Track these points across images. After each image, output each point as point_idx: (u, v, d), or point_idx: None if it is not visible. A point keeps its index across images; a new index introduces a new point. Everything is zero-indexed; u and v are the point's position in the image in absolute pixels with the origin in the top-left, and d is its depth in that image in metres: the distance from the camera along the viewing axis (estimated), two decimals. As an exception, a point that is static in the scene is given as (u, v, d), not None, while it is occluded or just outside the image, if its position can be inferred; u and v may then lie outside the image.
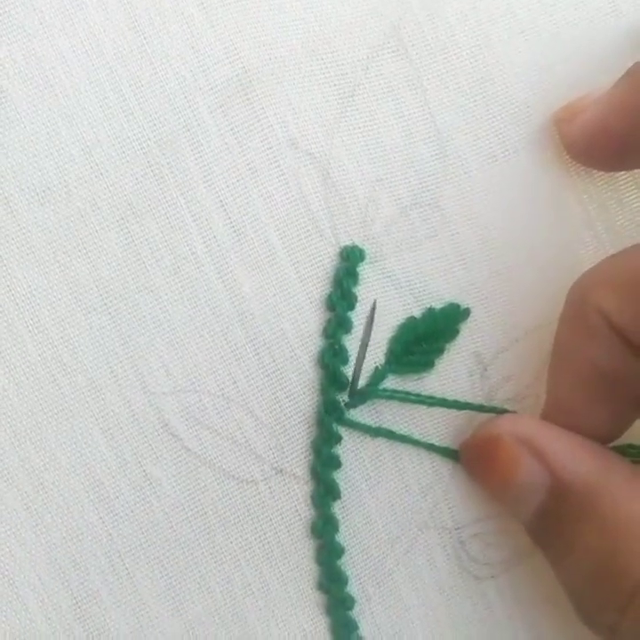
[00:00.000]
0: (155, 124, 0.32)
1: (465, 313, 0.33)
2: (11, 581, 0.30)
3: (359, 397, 0.32)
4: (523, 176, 0.33)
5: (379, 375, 0.33)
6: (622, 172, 0.34)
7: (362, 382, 0.32)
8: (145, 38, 0.32)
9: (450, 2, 0.33)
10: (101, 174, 0.31)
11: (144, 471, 0.31)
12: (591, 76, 0.33)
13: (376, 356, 0.33)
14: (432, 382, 0.33)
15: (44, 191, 0.31)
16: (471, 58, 0.33)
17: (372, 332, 0.33)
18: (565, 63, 0.34)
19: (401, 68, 0.33)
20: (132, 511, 0.31)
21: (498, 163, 0.33)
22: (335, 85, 0.33)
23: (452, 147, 0.33)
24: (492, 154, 0.33)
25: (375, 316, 0.33)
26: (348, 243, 0.33)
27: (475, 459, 0.32)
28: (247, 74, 0.32)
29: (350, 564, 0.32)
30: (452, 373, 0.33)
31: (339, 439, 0.32)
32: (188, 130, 0.32)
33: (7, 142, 0.31)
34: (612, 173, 0.34)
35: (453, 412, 0.33)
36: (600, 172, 0.34)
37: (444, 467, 0.33)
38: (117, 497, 0.31)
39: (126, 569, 0.31)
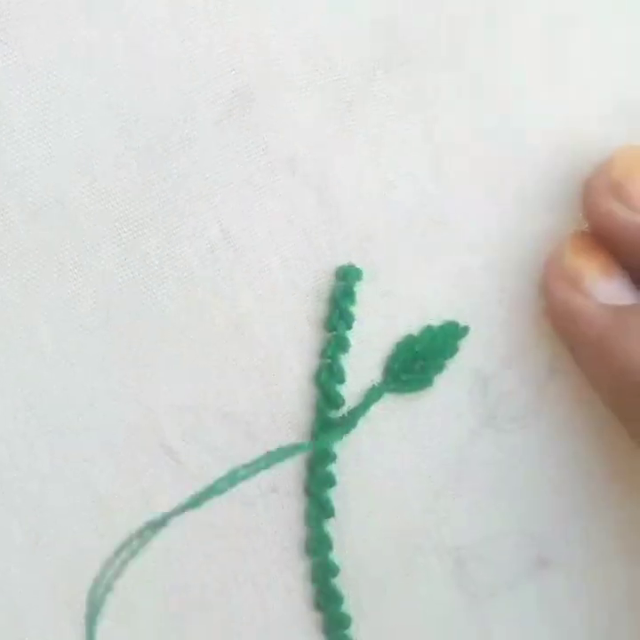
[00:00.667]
0: (152, 140, 0.32)
1: (464, 330, 0.33)
2: (9, 604, 0.31)
3: (352, 417, 0.32)
4: (524, 193, 0.33)
5: (375, 394, 0.32)
6: None
7: (357, 401, 0.32)
8: (142, 53, 0.32)
9: (456, 17, 0.33)
10: (98, 189, 0.31)
11: (142, 489, 0.31)
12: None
13: (373, 374, 0.33)
14: (430, 400, 0.33)
15: (39, 206, 0.31)
16: (476, 74, 0.33)
17: (369, 350, 0.33)
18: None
19: (403, 85, 0.33)
20: (131, 530, 0.31)
21: (500, 181, 0.33)
22: (335, 101, 0.33)
23: (453, 165, 0.33)
24: (494, 172, 0.33)
25: (373, 334, 0.33)
26: (345, 262, 0.32)
27: None
28: (246, 89, 0.32)
29: (346, 582, 0.32)
30: (451, 391, 0.33)
31: (333, 458, 0.32)
32: (186, 145, 0.32)
33: (1, 156, 0.31)
34: None
35: (452, 428, 0.33)
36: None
37: (444, 487, 0.33)
38: (117, 515, 0.31)
39: (126, 589, 0.31)
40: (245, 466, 0.31)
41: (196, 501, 0.31)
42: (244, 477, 0.32)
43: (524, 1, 0.33)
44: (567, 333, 0.32)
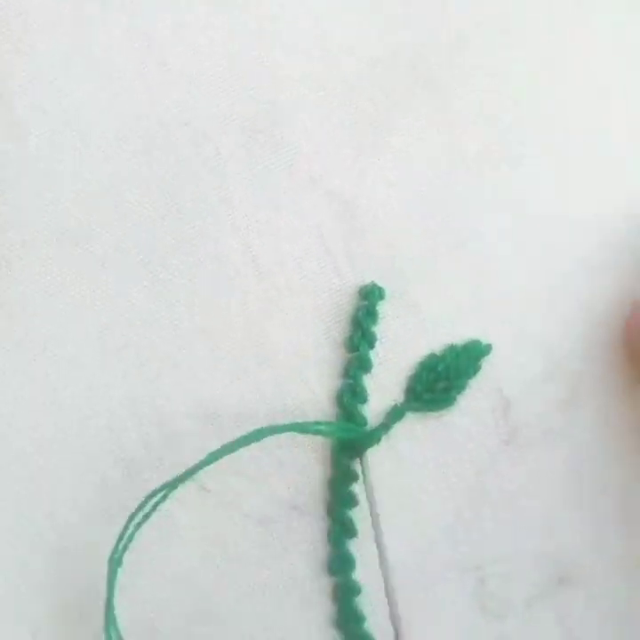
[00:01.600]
0: (178, 162, 0.32)
1: (487, 349, 0.33)
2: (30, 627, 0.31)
3: (375, 435, 0.32)
4: (547, 216, 0.33)
5: (397, 413, 0.32)
6: None
7: (378, 420, 0.32)
8: (167, 74, 0.32)
9: (478, 33, 0.33)
10: (124, 214, 0.32)
11: (165, 510, 0.31)
12: None
13: (395, 393, 0.33)
14: (453, 420, 0.33)
15: (65, 233, 0.31)
16: (501, 90, 0.33)
17: (391, 371, 0.33)
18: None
19: (428, 104, 0.33)
20: (150, 550, 0.31)
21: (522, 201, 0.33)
22: (361, 122, 0.33)
23: (480, 184, 0.33)
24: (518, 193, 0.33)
25: (395, 353, 0.33)
26: (368, 281, 0.32)
27: None
28: (271, 111, 0.32)
29: (368, 602, 0.32)
30: (473, 411, 0.33)
31: (356, 477, 0.32)
32: (212, 168, 0.32)
33: (29, 183, 0.31)
34: None
35: (474, 447, 0.33)
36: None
37: (465, 506, 0.33)
38: (137, 536, 0.31)
39: (145, 611, 0.31)
40: (272, 426, 0.31)
41: (216, 455, 0.31)
42: (271, 433, 0.31)
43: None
44: None
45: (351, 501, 0.32)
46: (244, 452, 0.31)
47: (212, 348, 0.32)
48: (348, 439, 0.32)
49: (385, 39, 0.33)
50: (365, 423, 0.32)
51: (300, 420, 0.32)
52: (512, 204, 0.33)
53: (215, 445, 0.31)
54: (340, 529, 0.32)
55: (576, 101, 0.34)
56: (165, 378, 0.31)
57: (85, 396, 0.31)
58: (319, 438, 0.32)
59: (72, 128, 0.31)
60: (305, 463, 0.32)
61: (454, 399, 0.33)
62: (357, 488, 0.32)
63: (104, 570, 0.30)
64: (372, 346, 0.32)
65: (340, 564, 0.32)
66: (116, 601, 0.30)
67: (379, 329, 0.32)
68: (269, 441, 0.32)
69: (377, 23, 0.33)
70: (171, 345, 0.32)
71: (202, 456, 0.31)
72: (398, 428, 0.33)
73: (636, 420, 0.34)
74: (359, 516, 0.32)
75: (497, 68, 0.33)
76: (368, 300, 0.32)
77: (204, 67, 0.32)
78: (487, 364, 0.33)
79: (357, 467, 0.32)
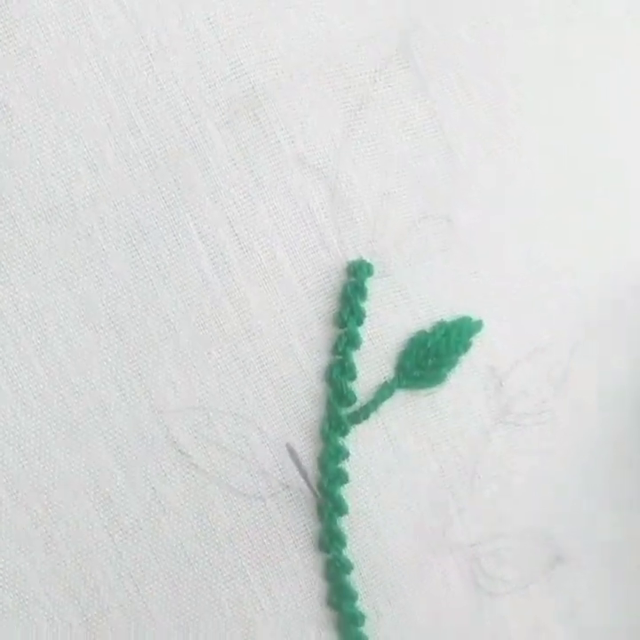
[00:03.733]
0: (161, 141, 0.32)
1: (477, 325, 0.33)
2: (20, 599, 0.31)
3: (363, 413, 0.32)
4: (534, 185, 0.33)
5: (387, 390, 0.32)
6: None
7: (369, 397, 0.32)
8: (151, 55, 0.32)
9: (460, 15, 0.33)
10: (108, 192, 0.31)
11: (153, 489, 0.31)
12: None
13: (385, 370, 0.33)
14: (443, 397, 0.33)
15: (50, 209, 0.31)
16: (481, 71, 0.33)
17: (381, 347, 0.32)
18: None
19: (409, 82, 0.33)
20: (141, 528, 0.31)
21: (510, 175, 0.33)
22: (343, 100, 0.33)
23: (463, 160, 0.33)
24: (505, 166, 0.33)
25: (384, 330, 0.32)
26: (356, 257, 0.32)
27: None
28: (254, 90, 0.32)
29: (360, 580, 0.32)
30: (464, 387, 0.33)
31: (346, 454, 0.32)
32: (195, 146, 0.32)
33: (13, 160, 0.31)
34: None
35: (466, 424, 0.33)
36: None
37: (458, 484, 0.33)
38: (126, 514, 0.31)
39: (136, 586, 0.31)
40: None
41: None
42: None
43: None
44: None
45: (341, 478, 0.32)
46: (230, 433, 0.32)
47: (198, 325, 0.32)
48: (338, 416, 0.32)
49: (367, 18, 0.33)
50: (355, 400, 0.32)
51: (286, 398, 0.32)
52: (497, 177, 0.33)
53: (202, 424, 0.31)
54: (330, 506, 0.32)
55: (567, 76, 0.34)
56: (149, 355, 0.31)
57: (69, 371, 0.31)
58: (308, 414, 0.32)
59: (57, 106, 0.31)
60: (295, 440, 0.32)
61: (444, 376, 0.33)
62: (348, 465, 0.32)
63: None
64: (360, 322, 0.32)
65: (330, 542, 0.32)
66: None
67: (368, 305, 0.32)
68: (259, 418, 0.32)
69: (358, 2, 0.33)
70: (154, 321, 0.31)
71: (188, 437, 0.31)
72: (388, 405, 0.32)
73: (629, 398, 0.34)
74: (350, 492, 0.32)
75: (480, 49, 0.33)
76: (356, 276, 0.32)
77: (187, 45, 0.32)
78: (479, 341, 0.33)
79: (347, 444, 0.32)
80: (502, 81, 0.33)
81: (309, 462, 0.32)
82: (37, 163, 0.31)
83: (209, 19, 0.32)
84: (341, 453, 0.32)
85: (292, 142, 0.32)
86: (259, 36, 0.32)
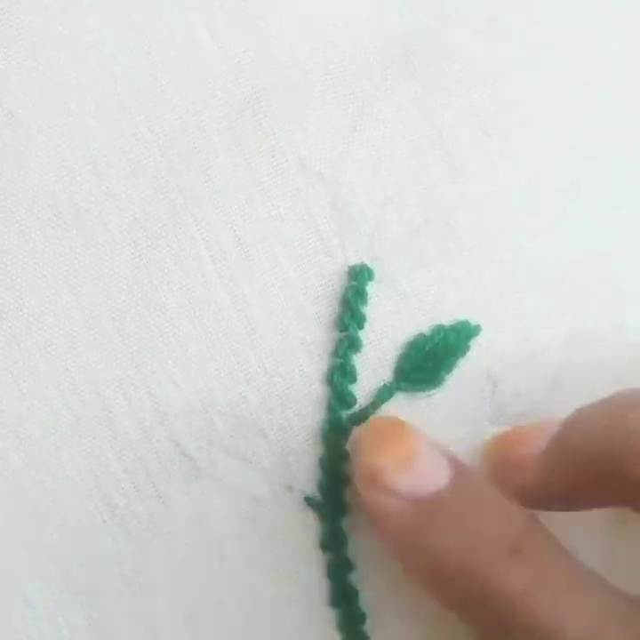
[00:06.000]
0: (164, 147, 0.32)
1: (476, 329, 0.34)
2: (25, 603, 0.31)
3: (363, 414, 0.32)
4: (534, 195, 0.34)
5: (386, 393, 0.33)
6: None
7: (368, 400, 0.33)
8: (153, 61, 0.32)
9: (464, 24, 0.33)
10: (111, 197, 0.32)
11: (157, 492, 0.32)
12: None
13: (384, 373, 0.33)
14: (441, 399, 0.33)
15: (54, 214, 0.31)
16: (482, 79, 0.33)
17: (381, 351, 0.33)
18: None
19: (412, 90, 0.33)
20: (145, 531, 0.31)
21: (510, 180, 0.33)
22: (345, 106, 0.33)
23: (464, 167, 0.33)
24: (505, 171, 0.34)
25: (384, 334, 0.33)
26: (357, 262, 0.33)
27: None
28: (256, 95, 0.33)
29: (362, 579, 0.33)
30: (461, 390, 0.34)
31: (346, 456, 0.32)
32: (198, 151, 0.32)
33: (18, 166, 0.31)
34: None
35: (463, 427, 0.33)
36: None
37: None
38: (131, 517, 0.31)
39: (140, 589, 0.31)
40: None
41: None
42: None
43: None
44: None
45: (342, 479, 0.32)
46: (232, 435, 0.32)
47: (200, 328, 0.32)
48: (339, 418, 0.32)
49: (370, 24, 0.33)
50: (355, 402, 0.33)
51: (287, 401, 0.32)
52: (496, 182, 0.34)
53: (205, 427, 0.32)
54: (331, 506, 0.32)
55: (565, 81, 0.35)
56: (152, 359, 0.32)
57: (73, 375, 0.31)
58: (309, 416, 0.32)
59: (61, 113, 0.31)
60: (296, 442, 0.32)
61: (443, 379, 0.33)
62: (348, 466, 0.33)
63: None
64: (361, 326, 0.33)
65: (332, 541, 0.32)
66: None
67: (368, 309, 0.33)
68: (262, 421, 0.32)
69: (362, 8, 0.33)
70: (158, 325, 0.32)
71: (191, 440, 0.31)
72: (387, 407, 0.33)
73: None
74: (349, 493, 0.33)
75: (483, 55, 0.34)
76: (357, 280, 0.33)
77: (189, 50, 0.32)
78: (477, 345, 0.34)
79: (348, 445, 0.33)
80: (503, 88, 0.34)
81: (310, 465, 0.32)
82: (42, 170, 0.31)
83: (210, 24, 0.32)
84: (341, 454, 0.32)
85: (294, 147, 0.33)
86: (261, 41, 0.33)
